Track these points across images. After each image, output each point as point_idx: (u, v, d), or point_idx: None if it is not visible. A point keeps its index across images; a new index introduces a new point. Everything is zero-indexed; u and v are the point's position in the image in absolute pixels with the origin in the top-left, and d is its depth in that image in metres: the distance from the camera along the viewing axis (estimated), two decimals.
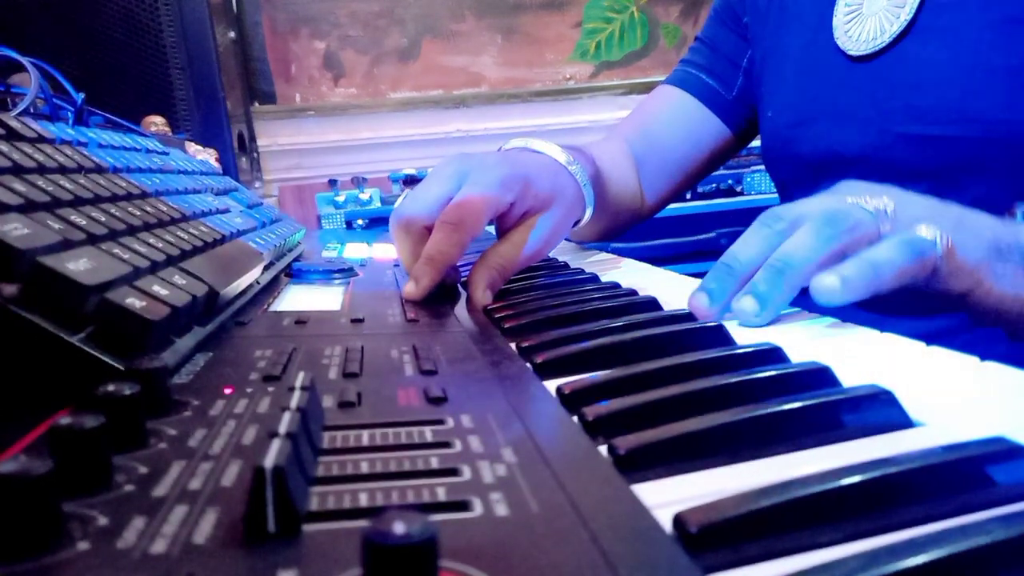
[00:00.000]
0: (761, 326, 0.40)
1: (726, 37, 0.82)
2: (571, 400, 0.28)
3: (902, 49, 0.61)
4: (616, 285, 0.51)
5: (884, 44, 0.61)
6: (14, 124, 0.39)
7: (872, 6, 0.63)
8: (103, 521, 0.18)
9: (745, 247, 0.42)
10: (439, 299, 0.49)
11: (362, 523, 0.18)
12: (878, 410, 0.25)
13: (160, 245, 0.36)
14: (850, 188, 0.43)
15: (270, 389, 0.29)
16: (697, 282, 0.45)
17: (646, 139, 0.84)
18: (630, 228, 0.86)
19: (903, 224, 0.40)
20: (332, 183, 1.69)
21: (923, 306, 0.45)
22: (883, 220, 0.40)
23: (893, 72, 0.61)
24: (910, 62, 0.60)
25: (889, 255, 0.38)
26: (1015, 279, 0.41)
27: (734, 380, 0.28)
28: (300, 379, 0.24)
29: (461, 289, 0.54)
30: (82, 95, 0.62)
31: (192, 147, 0.93)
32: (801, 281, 0.39)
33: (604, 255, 0.77)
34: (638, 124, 0.85)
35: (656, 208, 0.86)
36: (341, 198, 1.63)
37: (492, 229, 0.57)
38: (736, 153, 0.87)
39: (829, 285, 0.37)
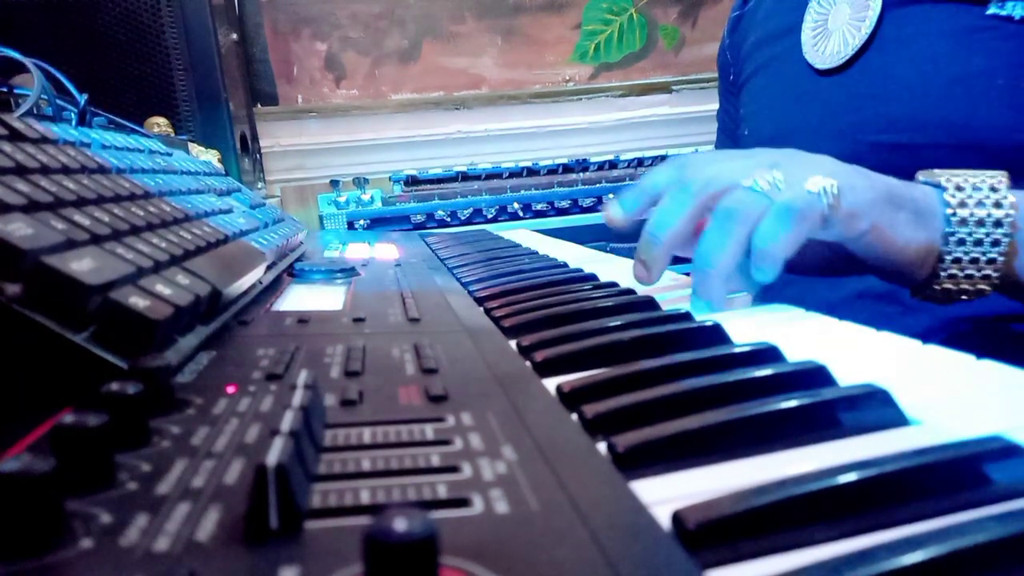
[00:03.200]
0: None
1: (726, 108, 0.88)
2: (570, 398, 0.29)
3: (866, 61, 0.63)
4: (614, 284, 0.51)
5: (848, 57, 0.64)
6: (17, 125, 0.39)
7: (836, 21, 0.65)
8: (106, 519, 0.18)
9: (667, 216, 0.47)
10: (447, 297, 0.49)
11: (363, 520, 0.18)
12: (874, 408, 0.26)
13: (163, 245, 0.36)
14: (753, 160, 0.47)
15: (272, 387, 0.29)
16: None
17: None
18: None
19: (794, 185, 0.43)
20: (334, 184, 1.69)
21: (829, 267, 0.50)
22: (775, 193, 0.43)
23: (860, 84, 0.63)
24: (875, 73, 0.62)
25: (773, 232, 0.42)
26: (905, 228, 0.45)
27: (731, 379, 0.28)
28: (302, 377, 0.24)
29: (462, 287, 0.54)
30: (85, 96, 0.62)
31: (195, 148, 0.93)
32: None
33: (603, 255, 0.77)
34: None
35: None
36: (343, 199, 1.64)
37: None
38: None
39: (743, 300, 0.44)
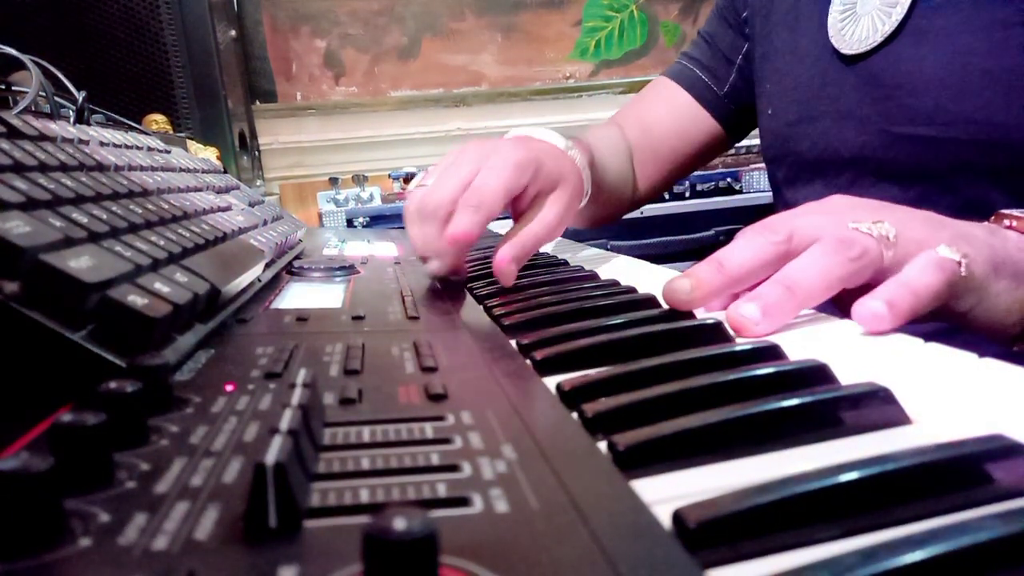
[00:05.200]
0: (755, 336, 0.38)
1: (724, 33, 0.84)
2: (571, 397, 0.29)
3: (894, 49, 0.61)
4: (615, 282, 0.51)
5: (876, 44, 0.62)
6: (15, 122, 0.39)
7: (865, 6, 0.64)
8: (104, 518, 0.18)
9: (739, 251, 0.41)
10: (447, 295, 0.49)
11: (363, 519, 0.18)
12: (876, 407, 0.25)
13: (162, 243, 0.36)
14: (848, 208, 0.42)
15: (271, 386, 0.29)
16: None
17: (641, 129, 0.88)
18: (623, 215, 0.90)
19: (905, 247, 0.39)
20: (333, 181, 1.69)
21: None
22: (886, 246, 0.39)
23: (886, 72, 0.62)
24: (903, 63, 0.61)
25: (924, 278, 0.36)
26: (1007, 296, 0.41)
27: (732, 377, 0.28)
28: (301, 376, 0.24)
29: (466, 291, 0.54)
30: (83, 93, 0.62)
31: (193, 145, 0.93)
32: (806, 302, 0.38)
33: (603, 252, 0.77)
34: (635, 113, 0.90)
35: (648, 196, 0.91)
36: (342, 196, 1.64)
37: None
38: (728, 148, 0.91)
39: (876, 310, 0.35)
